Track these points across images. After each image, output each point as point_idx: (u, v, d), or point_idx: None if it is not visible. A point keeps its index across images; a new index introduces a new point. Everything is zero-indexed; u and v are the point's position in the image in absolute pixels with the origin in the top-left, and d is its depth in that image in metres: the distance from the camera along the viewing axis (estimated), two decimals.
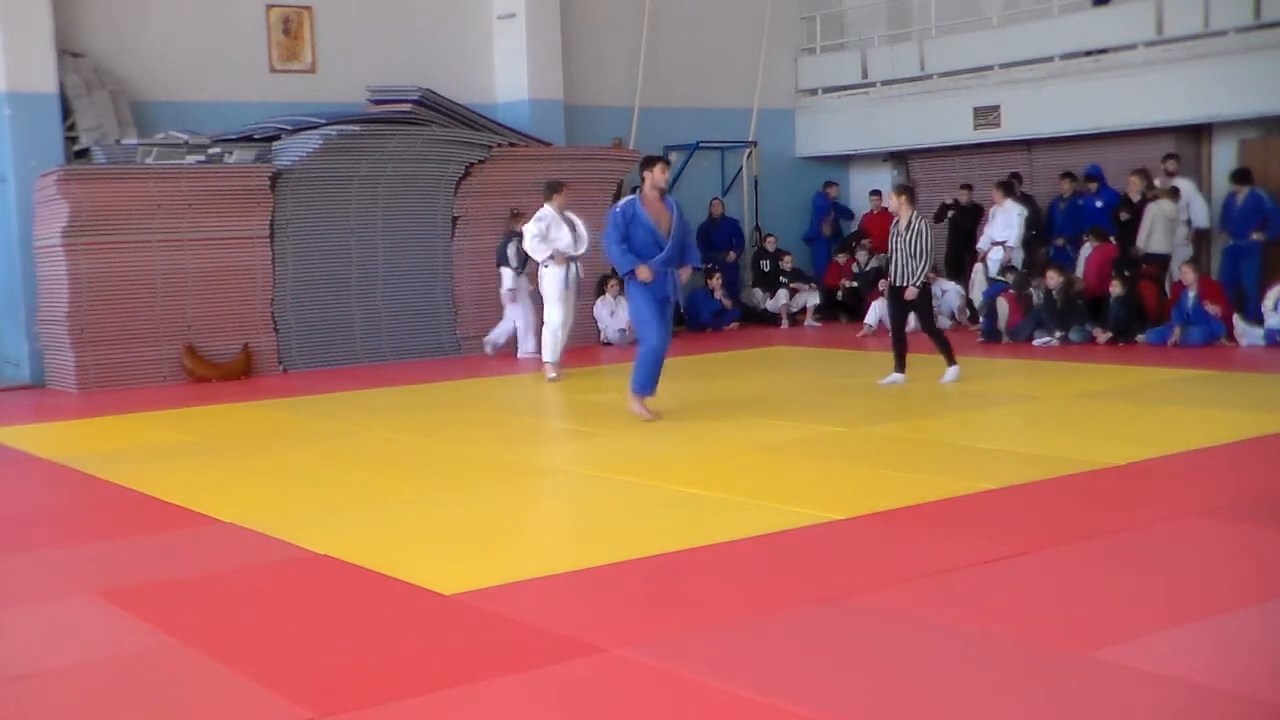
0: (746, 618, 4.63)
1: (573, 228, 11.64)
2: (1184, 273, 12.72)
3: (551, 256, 11.58)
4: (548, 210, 11.62)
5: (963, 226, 16.07)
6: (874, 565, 5.32)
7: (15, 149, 12.60)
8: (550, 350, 11.67)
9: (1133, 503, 6.27)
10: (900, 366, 10.45)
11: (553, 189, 11.67)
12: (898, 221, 10.38)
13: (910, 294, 10.30)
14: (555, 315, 11.63)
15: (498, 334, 14.03)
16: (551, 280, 11.62)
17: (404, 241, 13.90)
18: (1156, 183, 13.92)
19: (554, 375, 11.62)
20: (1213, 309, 12.45)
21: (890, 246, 10.53)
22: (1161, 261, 13.58)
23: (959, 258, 16.04)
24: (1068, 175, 15.24)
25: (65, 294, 12.09)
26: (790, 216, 18.16)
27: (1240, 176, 13.70)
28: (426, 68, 14.99)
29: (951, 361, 10.45)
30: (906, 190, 10.58)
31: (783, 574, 5.23)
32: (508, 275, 13.70)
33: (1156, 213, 13.50)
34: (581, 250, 11.74)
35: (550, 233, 11.57)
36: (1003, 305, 13.62)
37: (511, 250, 13.48)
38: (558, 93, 15.80)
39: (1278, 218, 13.57)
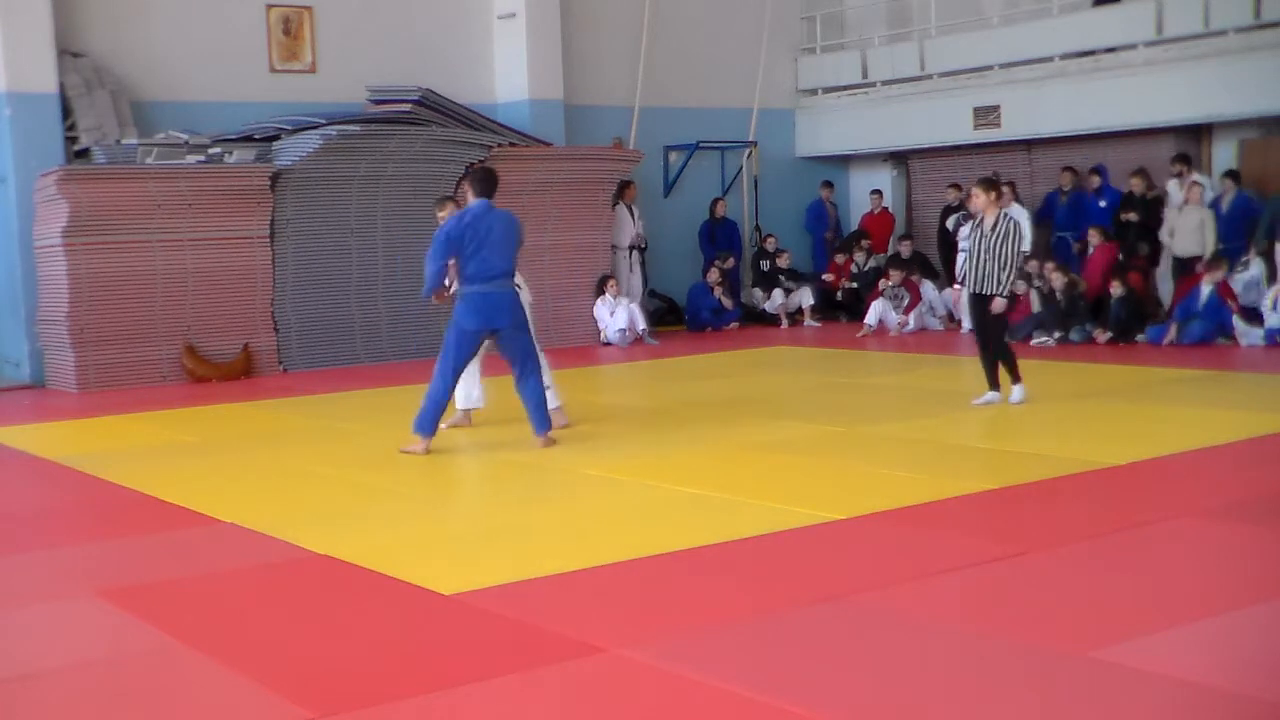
0: (746, 618, 4.63)
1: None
2: (1204, 269, 12.69)
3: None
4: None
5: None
6: (874, 565, 5.31)
7: (15, 149, 12.60)
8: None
9: (1133, 503, 6.27)
10: (993, 383, 9.25)
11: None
12: (981, 220, 9.22)
13: (999, 305, 9.11)
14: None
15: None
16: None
17: (404, 241, 13.87)
18: (1173, 184, 13.85)
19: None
20: (1231, 304, 12.42)
21: (972, 248, 9.29)
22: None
23: (951, 257, 16.03)
24: (1069, 169, 15.25)
25: (65, 294, 12.09)
26: (790, 216, 18.15)
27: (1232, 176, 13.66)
28: (426, 68, 14.98)
29: (1017, 379, 9.25)
30: (992, 184, 9.34)
31: (783, 574, 5.23)
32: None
33: (1187, 215, 13.40)
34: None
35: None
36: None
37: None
38: (558, 93, 15.79)
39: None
